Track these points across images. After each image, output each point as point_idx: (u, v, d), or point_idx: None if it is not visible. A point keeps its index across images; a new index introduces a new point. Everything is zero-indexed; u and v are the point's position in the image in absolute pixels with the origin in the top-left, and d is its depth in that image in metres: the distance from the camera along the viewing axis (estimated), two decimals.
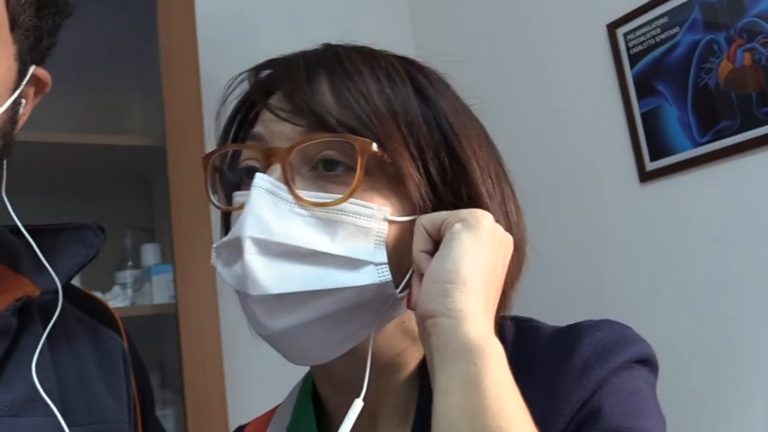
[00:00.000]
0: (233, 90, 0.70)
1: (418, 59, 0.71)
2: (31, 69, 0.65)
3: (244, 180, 0.66)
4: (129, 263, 1.71)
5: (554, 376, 0.59)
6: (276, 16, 2.14)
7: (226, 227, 0.70)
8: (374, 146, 0.59)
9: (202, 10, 1.74)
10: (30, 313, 0.67)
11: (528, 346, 0.60)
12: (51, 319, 0.67)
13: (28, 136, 1.34)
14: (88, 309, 0.78)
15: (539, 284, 1.86)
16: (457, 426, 0.49)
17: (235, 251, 0.59)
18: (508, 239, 0.61)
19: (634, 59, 1.66)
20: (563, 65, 1.86)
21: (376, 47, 0.70)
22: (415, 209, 0.62)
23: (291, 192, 0.60)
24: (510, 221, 0.66)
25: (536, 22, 1.94)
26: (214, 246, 0.64)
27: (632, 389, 0.60)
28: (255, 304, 0.60)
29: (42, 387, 0.64)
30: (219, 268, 0.64)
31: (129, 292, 1.67)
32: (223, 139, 0.71)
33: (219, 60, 1.77)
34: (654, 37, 1.61)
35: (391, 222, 0.61)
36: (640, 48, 1.64)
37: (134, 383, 0.77)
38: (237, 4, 2.11)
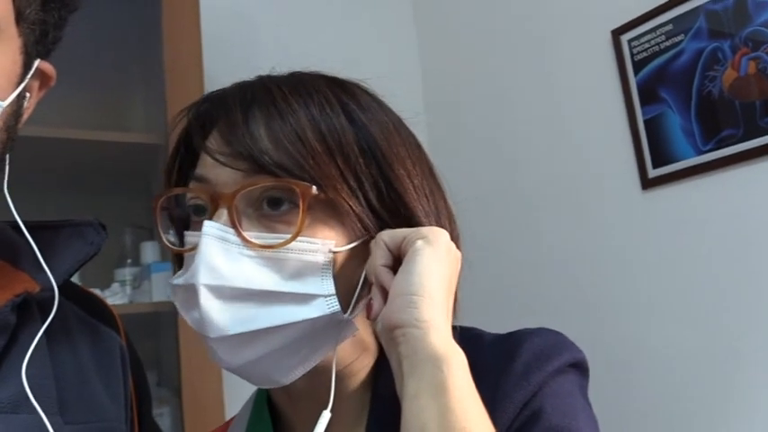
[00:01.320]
0: (175, 129, 0.74)
1: (348, 79, 0.73)
2: (36, 63, 0.65)
3: (192, 218, 0.69)
4: (129, 260, 1.71)
5: (497, 378, 0.64)
6: (280, 17, 2.14)
7: (179, 260, 0.73)
8: (314, 189, 0.63)
9: (207, 9, 1.73)
10: (29, 309, 0.67)
11: (470, 351, 0.62)
12: (50, 315, 0.66)
13: (29, 130, 1.33)
14: (87, 306, 0.77)
15: (539, 290, 1.87)
16: (427, 426, 0.53)
17: (191, 297, 0.63)
18: (458, 255, 0.65)
19: (638, 66, 1.66)
20: (567, 70, 1.86)
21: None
22: (358, 233, 0.66)
23: (239, 235, 0.63)
24: None
25: (541, 26, 1.94)
26: (171, 282, 0.67)
27: (568, 391, 0.65)
28: (215, 344, 0.64)
29: (39, 384, 0.63)
30: (178, 308, 0.67)
31: (128, 289, 1.67)
32: (167, 179, 0.74)
33: (223, 59, 1.77)
34: (658, 44, 1.61)
35: (336, 252, 0.65)
36: (645, 54, 1.64)
37: (131, 382, 0.76)
38: (242, 3, 2.11)
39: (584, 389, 0.68)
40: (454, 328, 0.64)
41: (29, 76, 0.64)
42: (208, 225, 0.62)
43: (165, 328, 1.70)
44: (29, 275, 0.67)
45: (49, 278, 0.67)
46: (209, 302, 0.61)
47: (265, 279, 0.63)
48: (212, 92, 0.72)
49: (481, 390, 0.57)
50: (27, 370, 0.62)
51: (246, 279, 0.62)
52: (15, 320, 0.64)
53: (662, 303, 1.59)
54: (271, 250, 0.63)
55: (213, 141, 0.67)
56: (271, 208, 0.64)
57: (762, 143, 1.41)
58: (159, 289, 1.59)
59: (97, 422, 0.68)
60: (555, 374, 0.64)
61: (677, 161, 1.56)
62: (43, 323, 0.66)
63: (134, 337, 0.84)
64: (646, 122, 1.64)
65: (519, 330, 0.69)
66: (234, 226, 0.63)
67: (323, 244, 0.64)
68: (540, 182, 1.92)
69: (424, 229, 0.62)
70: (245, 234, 0.63)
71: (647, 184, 1.63)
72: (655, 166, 1.61)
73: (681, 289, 1.56)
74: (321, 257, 0.64)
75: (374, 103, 0.72)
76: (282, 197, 0.64)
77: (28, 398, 0.61)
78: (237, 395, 1.59)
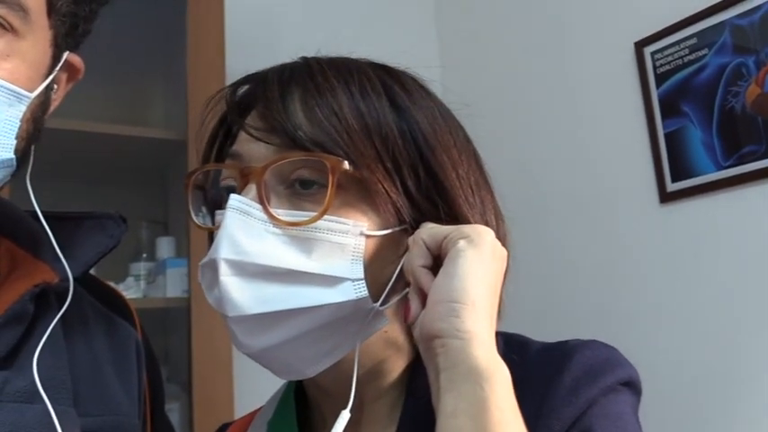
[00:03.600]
0: (212, 109, 0.71)
1: (397, 66, 0.70)
2: (65, 55, 0.65)
3: (225, 198, 0.66)
4: (144, 255, 1.72)
5: (543, 391, 0.60)
6: (303, 15, 2.14)
7: (211, 242, 0.70)
8: (345, 164, 0.59)
9: (231, 6, 1.74)
10: (48, 300, 0.67)
11: (516, 360, 0.60)
12: (69, 305, 0.67)
13: (48, 122, 1.34)
14: (104, 299, 0.77)
15: (554, 302, 1.86)
16: None
17: (212, 273, 0.60)
18: (504, 254, 0.61)
19: (660, 79, 1.65)
20: (589, 81, 1.85)
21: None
22: (393, 222, 0.62)
23: (266, 211, 0.60)
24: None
25: (564, 36, 1.94)
26: (200, 263, 0.64)
27: (619, 412, 0.60)
28: (234, 325, 0.61)
29: (54, 375, 0.63)
30: (204, 290, 0.65)
31: (143, 283, 1.67)
32: (204, 158, 0.72)
33: (245, 58, 1.77)
34: (682, 57, 1.60)
35: (368, 236, 0.61)
36: (667, 67, 1.63)
37: (146, 377, 0.76)
38: (266, 1, 2.12)
39: (635, 410, 0.63)
40: (498, 333, 0.60)
41: (57, 68, 0.65)
42: (233, 198, 0.60)
43: (176, 324, 1.71)
44: (49, 266, 0.67)
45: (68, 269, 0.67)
46: (228, 279, 0.59)
47: (290, 258, 0.59)
48: (254, 72, 0.69)
49: (525, 401, 0.54)
50: (42, 360, 0.62)
51: (270, 256, 0.59)
52: (33, 310, 0.64)
53: (677, 317, 1.58)
54: (297, 228, 0.60)
55: (250, 119, 0.65)
56: (302, 188, 0.61)
57: None
58: (173, 284, 1.59)
59: (111, 415, 0.68)
60: (606, 392, 0.60)
61: (697, 176, 1.55)
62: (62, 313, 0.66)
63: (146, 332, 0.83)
64: (666, 136, 1.62)
65: (570, 341, 0.65)
66: (261, 201, 0.60)
67: (354, 225, 0.60)
68: (557, 192, 1.91)
69: (467, 228, 0.58)
70: (272, 211, 0.60)
71: (666, 197, 1.62)
72: (674, 179, 1.60)
73: (696, 303, 1.54)
74: (351, 240, 0.60)
75: (421, 90, 0.69)
76: (313, 179, 0.61)
77: (44, 389, 0.61)
78: (248, 393, 1.59)
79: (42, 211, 0.68)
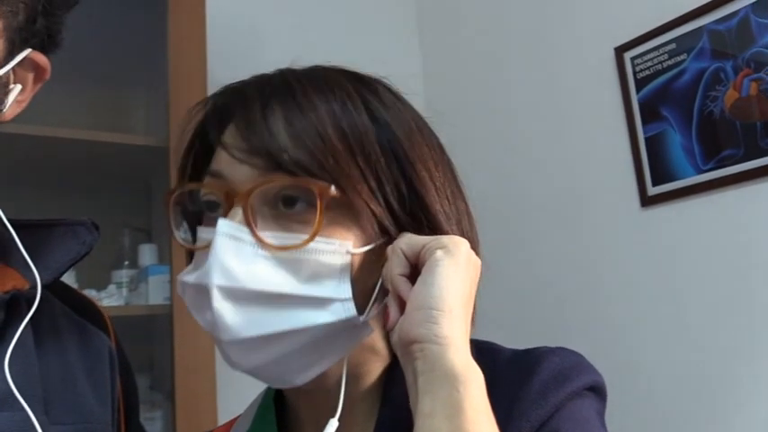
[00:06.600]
0: (192, 120, 0.70)
1: (372, 75, 0.71)
2: (26, 52, 0.64)
3: (205, 213, 0.67)
4: (126, 262, 1.70)
5: (513, 395, 0.62)
6: (285, 23, 2.14)
7: (190, 254, 0.70)
8: (332, 189, 0.60)
9: (213, 14, 1.74)
10: (18, 307, 0.66)
11: (487, 366, 0.60)
12: (40, 313, 0.66)
13: (30, 129, 1.33)
14: (78, 306, 0.77)
15: (536, 306, 1.86)
16: None
17: (203, 297, 0.61)
18: (478, 263, 0.63)
19: (640, 84, 1.66)
20: (569, 86, 1.86)
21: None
22: (376, 236, 0.64)
23: (254, 235, 0.61)
24: (465, 238, 0.67)
25: (545, 42, 1.95)
26: (179, 277, 0.65)
27: (585, 416, 0.63)
28: (228, 347, 0.62)
29: (25, 382, 0.63)
30: (188, 307, 0.65)
31: (125, 291, 1.66)
32: (182, 173, 0.72)
33: (227, 64, 1.78)
34: (661, 62, 1.62)
35: (354, 254, 0.63)
36: (647, 72, 1.65)
37: (119, 385, 0.76)
38: (248, 9, 2.12)
39: (601, 414, 0.65)
40: (470, 341, 0.61)
41: (13, 63, 0.62)
42: (222, 224, 0.60)
43: (159, 331, 1.70)
44: (19, 273, 0.67)
45: (39, 276, 0.67)
46: (221, 304, 0.59)
47: (280, 281, 0.60)
48: (230, 84, 0.69)
49: (497, 404, 0.56)
50: (13, 368, 0.62)
51: (261, 281, 0.60)
52: (4, 317, 0.64)
53: (658, 321, 1.59)
54: (286, 251, 0.61)
55: (230, 136, 0.64)
56: (286, 207, 0.62)
57: (762, 164, 1.41)
58: (156, 292, 1.58)
59: (83, 423, 0.68)
60: (573, 396, 0.62)
61: (677, 179, 1.57)
62: (33, 321, 0.66)
63: (128, 340, 0.83)
64: (647, 140, 1.64)
65: (538, 348, 0.67)
66: (249, 225, 0.61)
67: (340, 245, 0.62)
68: (538, 196, 1.92)
69: (444, 238, 0.60)
70: (261, 234, 0.61)
71: (647, 201, 1.63)
72: (654, 183, 1.61)
73: (677, 307, 1.55)
74: (339, 259, 0.62)
75: (397, 102, 0.70)
76: (298, 196, 0.61)
77: (11, 396, 0.60)
78: (231, 400, 1.59)
79: (13, 219, 0.67)
